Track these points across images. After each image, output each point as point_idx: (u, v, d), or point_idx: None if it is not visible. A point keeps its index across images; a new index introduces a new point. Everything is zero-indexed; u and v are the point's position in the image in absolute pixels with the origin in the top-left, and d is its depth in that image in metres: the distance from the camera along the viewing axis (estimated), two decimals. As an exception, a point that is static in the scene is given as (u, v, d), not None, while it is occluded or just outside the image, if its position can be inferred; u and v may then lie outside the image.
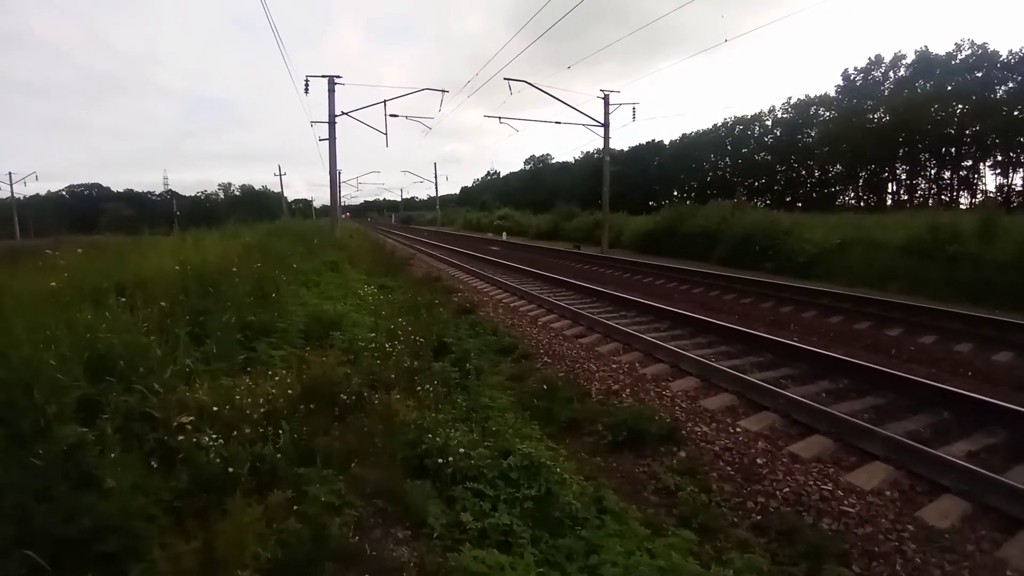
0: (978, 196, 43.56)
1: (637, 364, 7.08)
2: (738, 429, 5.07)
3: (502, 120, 27.16)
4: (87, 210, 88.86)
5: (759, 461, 4.44)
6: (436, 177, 69.55)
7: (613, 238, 28.24)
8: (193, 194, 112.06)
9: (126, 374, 3.69)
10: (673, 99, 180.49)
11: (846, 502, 3.84)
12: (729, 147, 64.28)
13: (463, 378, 5.73)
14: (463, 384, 5.62)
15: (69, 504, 2.45)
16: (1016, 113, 39.65)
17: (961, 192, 45.83)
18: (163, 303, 5.04)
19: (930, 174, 48.03)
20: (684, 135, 68.73)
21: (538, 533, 3.13)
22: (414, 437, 3.85)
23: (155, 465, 3.02)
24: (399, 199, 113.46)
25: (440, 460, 3.59)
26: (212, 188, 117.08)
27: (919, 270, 13.58)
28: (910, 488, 4.08)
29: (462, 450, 3.70)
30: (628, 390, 6.05)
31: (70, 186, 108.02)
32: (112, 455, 2.87)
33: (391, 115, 24.94)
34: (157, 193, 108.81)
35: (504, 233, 43.39)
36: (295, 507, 2.86)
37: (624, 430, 4.81)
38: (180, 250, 7.98)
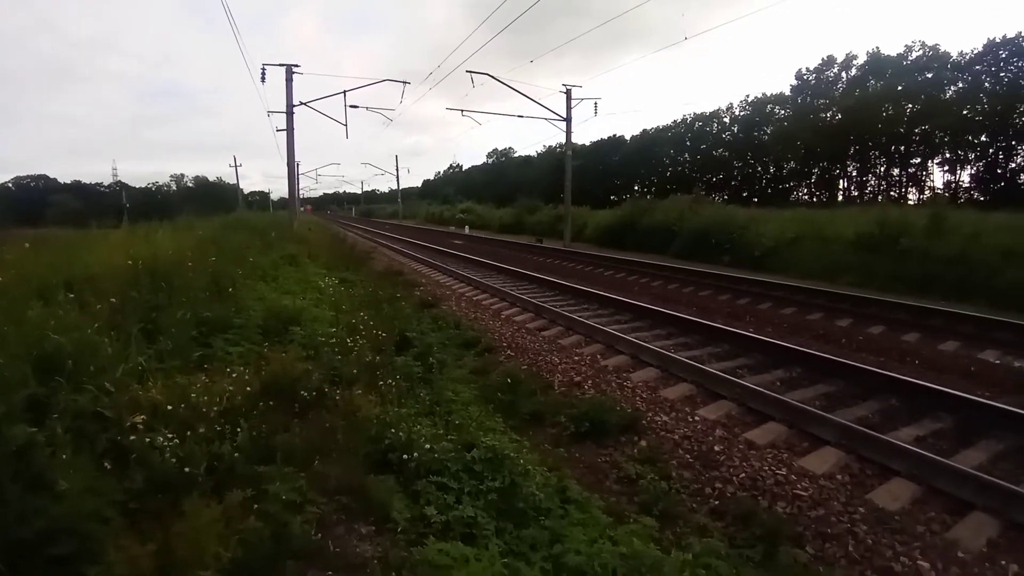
0: (926, 193, 45.31)
1: (599, 356, 7.16)
2: (696, 418, 5.19)
3: (464, 113, 27.11)
4: (34, 202, 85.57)
5: (716, 448, 4.56)
6: (397, 169, 68.27)
7: (576, 232, 28.46)
8: (144, 185, 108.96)
9: (76, 373, 3.56)
10: (634, 95, 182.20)
11: (799, 486, 3.98)
12: (688, 143, 65.49)
13: (426, 372, 5.72)
14: (426, 378, 5.60)
15: (21, 506, 2.35)
16: (965, 112, 41.25)
17: (909, 189, 47.63)
18: (113, 299, 4.87)
19: (880, 171, 49.77)
20: (645, 131, 69.79)
21: (502, 524, 3.15)
22: (377, 432, 3.82)
23: (108, 466, 2.92)
24: (359, 192, 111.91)
25: (404, 455, 3.57)
26: (164, 179, 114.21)
27: (869, 263, 14.07)
28: (860, 472, 4.24)
29: (426, 444, 3.68)
30: (590, 382, 6.13)
31: (16, 177, 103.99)
32: (63, 456, 2.76)
33: (351, 106, 24.59)
34: (106, 184, 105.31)
35: (467, 227, 43.28)
36: (255, 506, 2.80)
37: (586, 421, 4.88)
38: (130, 244, 7.71)
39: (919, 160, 46.90)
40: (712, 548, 3.16)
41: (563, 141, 28.50)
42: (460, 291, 12.62)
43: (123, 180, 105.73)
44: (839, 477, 4.14)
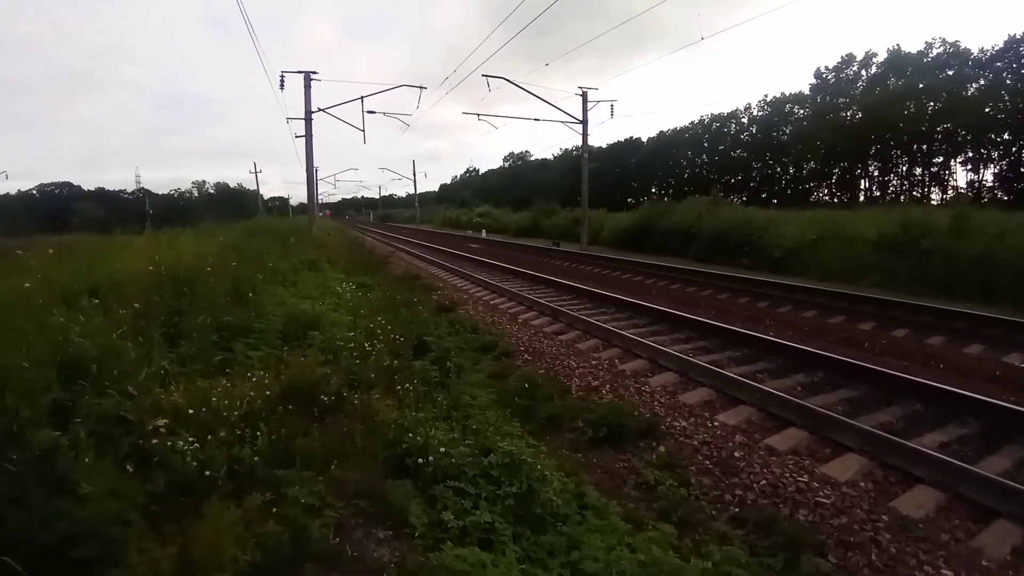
0: (949, 192, 44.51)
1: (616, 360, 7.12)
2: (716, 423, 5.13)
3: (481, 117, 27.13)
4: (58, 209, 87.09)
5: (737, 454, 4.51)
6: (415, 174, 69.08)
7: (593, 235, 28.37)
8: (166, 192, 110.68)
9: (99, 377, 3.62)
10: (651, 96, 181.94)
11: (822, 493, 3.91)
12: (706, 144, 64.99)
13: (443, 376, 5.72)
14: (443, 383, 5.60)
15: (45, 510, 2.39)
16: (987, 110, 40.49)
17: (932, 188, 46.81)
18: (137, 304, 4.95)
19: (902, 170, 49.00)
20: (662, 132, 69.46)
21: (520, 530, 3.14)
22: (395, 437, 3.83)
23: (131, 469, 2.97)
24: (377, 196, 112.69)
25: (421, 459, 3.58)
26: (186, 186, 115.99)
27: (891, 265, 13.84)
28: (884, 479, 4.17)
29: (443, 449, 3.69)
30: (608, 386, 6.09)
31: (40, 185, 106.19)
32: (87, 460, 2.81)
33: (368, 111, 24.74)
34: (129, 191, 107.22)
35: (484, 230, 43.32)
36: (274, 509, 2.83)
37: (604, 426, 4.85)
38: (153, 250, 7.83)
39: (941, 159, 46.11)
40: (732, 556, 3.12)
41: (579, 144, 28.46)
42: (477, 295, 12.64)
43: (146, 187, 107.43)
44: (862, 484, 4.07)
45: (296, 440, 3.55)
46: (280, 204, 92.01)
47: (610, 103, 27.83)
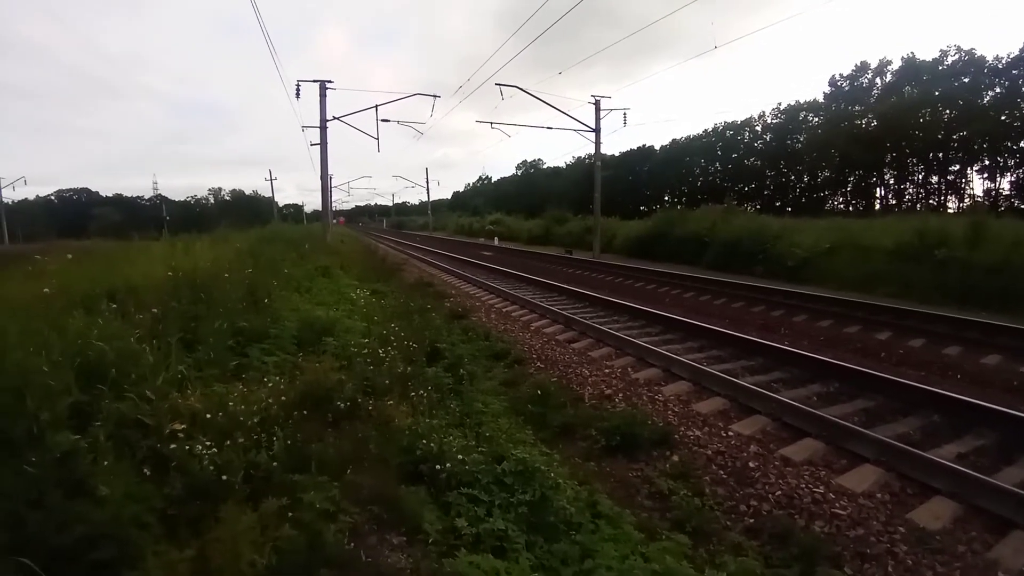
0: (965, 200, 44.05)
1: (629, 369, 7.10)
2: (730, 433, 5.09)
3: (494, 125, 27.28)
4: (76, 215, 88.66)
5: (751, 464, 4.47)
6: (428, 182, 69.60)
7: (605, 243, 28.34)
8: (183, 199, 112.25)
9: (118, 381, 3.66)
10: (664, 104, 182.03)
11: (838, 504, 3.87)
12: (719, 152, 64.84)
13: (456, 384, 5.73)
14: (456, 390, 5.61)
15: (63, 512, 2.43)
16: (1003, 118, 40.08)
17: (948, 196, 46.33)
18: (154, 309, 5.00)
19: (918, 179, 48.54)
20: (675, 140, 69.47)
21: (533, 538, 3.14)
22: (408, 443, 3.85)
23: (148, 473, 2.99)
24: (390, 204, 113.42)
25: (435, 466, 3.59)
26: (202, 193, 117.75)
27: (907, 274, 13.70)
28: (901, 490, 4.11)
29: (457, 456, 3.70)
30: (621, 395, 6.08)
31: (59, 191, 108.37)
32: (105, 463, 2.84)
33: (382, 120, 24.95)
34: (147, 198, 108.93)
35: (496, 238, 43.46)
36: (290, 514, 2.84)
37: (617, 435, 4.83)
38: (171, 256, 7.93)
39: (958, 167, 45.66)
40: (747, 568, 3.10)
41: (592, 152, 28.48)
42: (490, 302, 12.65)
43: (163, 193, 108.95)
44: (879, 495, 4.02)
45: (311, 445, 3.57)
46: (295, 211, 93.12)
47: (623, 111, 27.93)
